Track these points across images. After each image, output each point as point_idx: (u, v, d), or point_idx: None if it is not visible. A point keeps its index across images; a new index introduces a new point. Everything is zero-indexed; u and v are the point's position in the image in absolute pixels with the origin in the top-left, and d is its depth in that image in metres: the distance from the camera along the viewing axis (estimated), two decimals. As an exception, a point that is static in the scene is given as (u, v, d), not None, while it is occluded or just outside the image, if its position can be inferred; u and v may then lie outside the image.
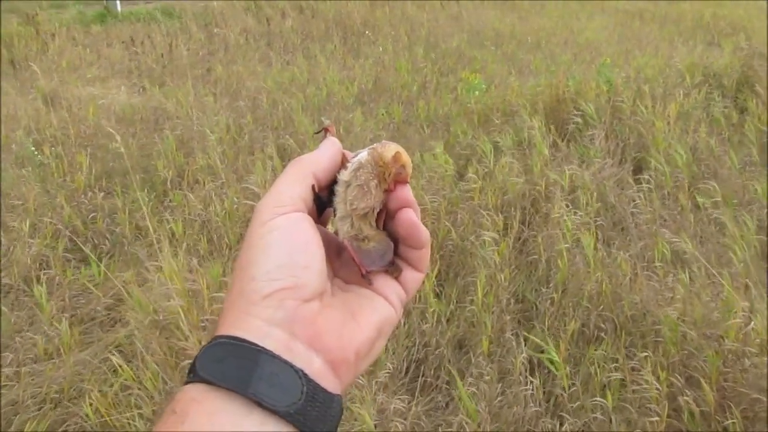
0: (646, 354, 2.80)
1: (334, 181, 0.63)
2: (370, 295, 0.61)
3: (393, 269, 0.63)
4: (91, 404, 2.66)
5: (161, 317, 2.95)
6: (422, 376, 2.96)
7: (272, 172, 4.39)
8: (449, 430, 2.66)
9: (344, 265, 0.65)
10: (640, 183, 4.39)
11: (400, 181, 0.61)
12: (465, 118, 5.63)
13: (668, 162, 4.55)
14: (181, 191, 4.42)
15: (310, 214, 0.61)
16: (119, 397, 2.76)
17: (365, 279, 0.62)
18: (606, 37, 9.42)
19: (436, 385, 2.93)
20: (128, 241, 3.97)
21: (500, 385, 2.79)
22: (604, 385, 2.76)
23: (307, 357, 0.52)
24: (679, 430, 2.58)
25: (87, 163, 4.86)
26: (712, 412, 2.55)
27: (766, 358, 2.62)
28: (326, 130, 0.67)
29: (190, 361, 0.61)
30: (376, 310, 0.60)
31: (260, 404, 0.48)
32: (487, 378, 2.77)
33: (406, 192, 0.62)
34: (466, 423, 2.59)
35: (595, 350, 2.90)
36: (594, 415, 2.63)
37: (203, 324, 2.89)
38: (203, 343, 0.53)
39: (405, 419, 2.66)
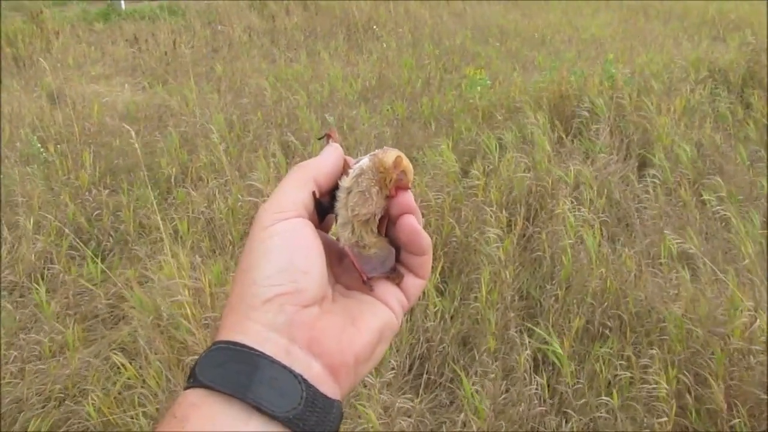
0: (653, 351, 2.79)
1: (335, 187, 0.64)
2: (371, 301, 0.62)
3: (394, 276, 0.63)
4: (93, 403, 2.66)
5: (164, 315, 2.94)
6: (426, 373, 2.95)
7: (275, 170, 4.38)
8: (454, 428, 2.65)
9: (345, 271, 0.65)
10: (645, 179, 4.37)
11: (401, 187, 0.61)
12: (469, 114, 5.61)
13: (673, 158, 4.53)
14: (184, 188, 4.42)
15: (311, 219, 0.61)
16: (122, 395, 2.76)
17: (366, 285, 0.62)
18: (610, 34, 9.38)
19: (440, 383, 2.92)
20: (132, 239, 3.97)
21: (505, 382, 2.78)
22: (609, 383, 2.75)
23: (306, 362, 0.53)
24: (686, 428, 2.57)
25: (91, 161, 4.86)
26: (719, 410, 2.53)
27: (771, 356, 2.60)
28: (328, 135, 0.67)
29: (194, 357, 0.61)
30: (377, 316, 0.60)
31: (259, 409, 0.48)
32: (491, 375, 2.76)
33: (408, 198, 0.62)
34: (471, 420, 2.59)
35: (600, 347, 2.89)
36: (599, 413, 2.61)
37: (206, 322, 2.89)
38: (207, 343, 0.54)
39: (409, 417, 2.65)
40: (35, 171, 4.70)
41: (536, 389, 2.73)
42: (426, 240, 0.62)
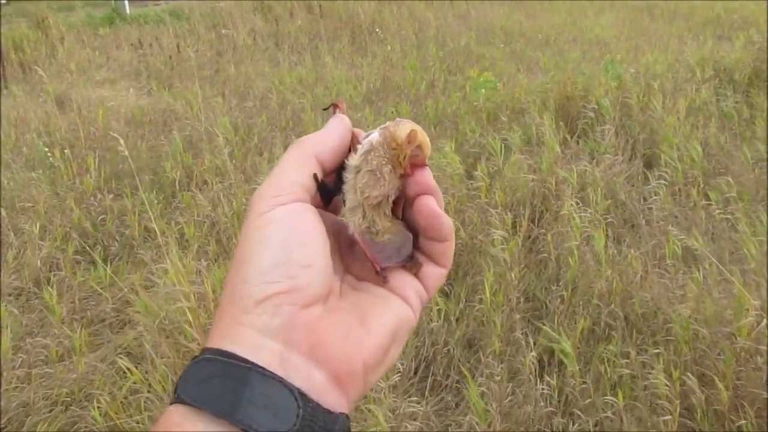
0: (657, 351, 2.78)
1: (342, 166, 0.57)
2: (385, 294, 0.55)
3: (411, 264, 0.56)
4: (99, 408, 2.66)
5: (168, 320, 2.95)
6: (432, 376, 2.95)
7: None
8: (459, 430, 2.65)
9: (357, 259, 0.58)
10: (651, 179, 4.36)
11: (417, 164, 0.54)
12: (473, 116, 5.61)
13: (679, 158, 4.51)
14: (189, 192, 4.42)
15: (314, 203, 0.55)
16: (129, 399, 2.76)
17: (379, 276, 0.56)
18: (615, 34, 9.36)
19: (446, 385, 2.92)
20: (137, 243, 3.98)
21: (510, 384, 2.77)
22: (615, 384, 2.74)
23: (306, 371, 0.47)
24: (692, 429, 2.56)
25: (96, 166, 4.87)
26: (725, 411, 2.52)
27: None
28: (335, 105, 0.60)
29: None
30: (391, 312, 0.54)
31: None
32: (497, 378, 2.75)
33: (426, 176, 0.55)
34: (477, 423, 2.58)
35: (606, 348, 2.88)
36: (605, 414, 2.60)
37: (209, 327, 2.89)
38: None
39: (415, 420, 2.65)
40: (41, 176, 4.72)
41: (543, 389, 2.72)
42: (447, 224, 0.55)
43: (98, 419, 2.63)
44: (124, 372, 2.84)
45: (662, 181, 4.27)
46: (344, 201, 0.56)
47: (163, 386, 2.72)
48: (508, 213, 3.84)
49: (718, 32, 9.42)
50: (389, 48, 8.43)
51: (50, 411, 2.79)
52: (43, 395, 2.85)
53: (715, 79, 6.17)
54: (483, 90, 5.88)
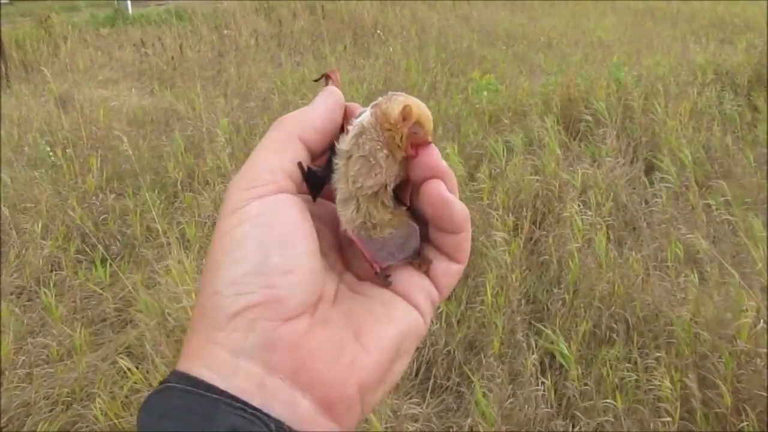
0: (659, 354, 2.78)
1: (332, 148, 0.48)
2: (388, 298, 0.47)
3: (419, 261, 0.48)
4: (100, 407, 2.66)
5: (170, 319, 2.95)
6: (433, 378, 2.94)
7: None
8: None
9: (357, 256, 0.50)
10: (652, 182, 4.36)
11: (418, 144, 0.46)
12: (475, 118, 5.61)
13: (681, 161, 4.51)
14: (191, 193, 4.42)
15: (302, 191, 0.48)
16: (129, 399, 2.76)
17: (380, 278, 0.48)
18: (617, 37, 9.36)
19: (447, 387, 2.91)
20: (139, 243, 3.98)
21: (511, 386, 2.77)
22: (616, 386, 2.74)
23: (288, 397, 0.40)
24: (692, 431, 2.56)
25: (98, 165, 4.88)
26: (726, 413, 2.52)
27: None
28: (327, 76, 0.52)
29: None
30: (394, 321, 0.45)
31: None
32: (498, 380, 2.75)
33: (433, 157, 0.46)
34: (478, 424, 2.58)
35: (607, 351, 2.88)
36: (606, 417, 2.60)
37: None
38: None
39: (416, 422, 2.65)
40: (43, 175, 4.72)
41: (543, 392, 2.72)
42: (460, 212, 0.47)
43: (99, 419, 2.63)
44: (125, 372, 2.84)
45: (664, 184, 4.27)
46: (335, 191, 0.48)
47: (164, 386, 2.72)
48: (510, 215, 3.84)
49: (721, 35, 9.42)
50: (391, 49, 8.43)
51: (51, 410, 2.79)
52: (44, 394, 2.85)
53: (717, 82, 6.17)
54: (485, 92, 5.88)
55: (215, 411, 0.38)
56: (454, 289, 2.83)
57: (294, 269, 0.42)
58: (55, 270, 3.76)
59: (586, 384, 2.75)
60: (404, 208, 0.49)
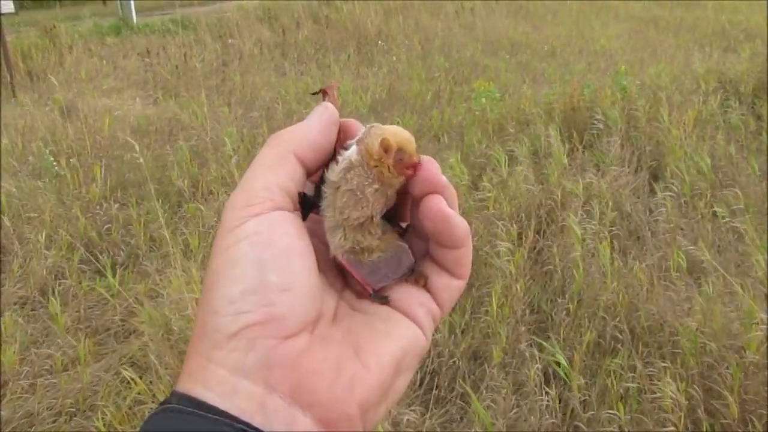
0: (664, 365, 2.76)
1: (327, 165, 0.49)
2: (389, 315, 0.47)
3: (414, 276, 0.49)
4: (103, 418, 2.65)
5: (174, 330, 2.94)
6: (436, 388, 2.93)
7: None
8: (464, 443, 2.63)
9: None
10: (657, 192, 4.35)
11: (406, 167, 0.46)
12: (479, 127, 5.61)
13: (685, 170, 4.50)
14: (195, 203, 4.43)
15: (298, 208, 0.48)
16: (133, 410, 2.75)
17: (376, 299, 0.48)
18: (621, 45, 9.37)
19: (451, 398, 2.90)
20: (143, 253, 3.98)
21: (515, 397, 2.76)
22: (621, 397, 2.72)
23: (288, 416, 0.40)
24: (699, 443, 2.54)
25: (102, 174, 4.89)
26: (733, 424, 2.50)
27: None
28: (324, 92, 0.52)
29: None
30: (394, 338, 0.45)
31: None
32: (502, 391, 2.74)
33: (432, 172, 0.46)
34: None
35: (612, 361, 2.86)
36: (611, 428, 2.59)
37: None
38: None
39: (419, 432, 2.64)
40: (47, 185, 4.73)
41: (547, 403, 2.70)
42: (460, 228, 0.46)
43: (102, 430, 2.63)
44: (129, 382, 2.83)
45: (668, 193, 4.26)
46: (324, 217, 0.49)
47: (167, 397, 2.71)
48: (514, 224, 3.84)
49: (724, 44, 9.41)
50: (395, 58, 8.45)
51: (54, 421, 2.79)
52: (48, 405, 2.85)
53: (721, 90, 6.16)
54: (483, 99, 5.88)
55: (217, 431, 0.38)
56: (457, 301, 2.83)
57: (292, 287, 0.42)
58: (59, 280, 3.76)
59: (590, 395, 2.74)
60: (395, 231, 0.50)
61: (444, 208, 0.46)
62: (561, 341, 3.01)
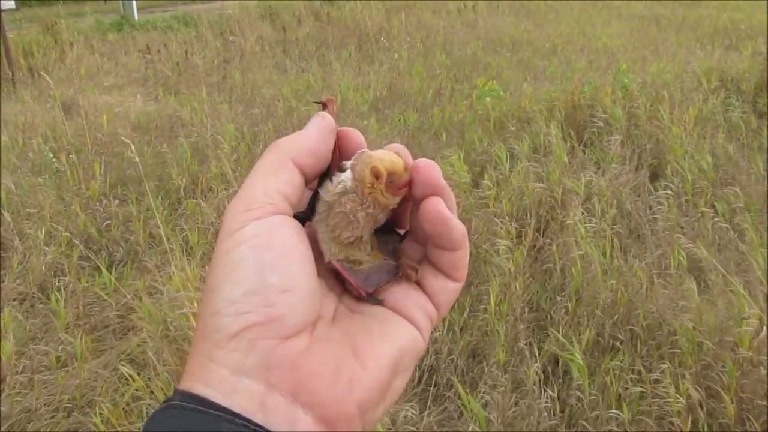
0: (665, 365, 2.75)
1: (326, 174, 0.51)
2: (386, 316, 0.48)
3: (404, 274, 0.50)
4: (101, 414, 2.65)
5: (172, 327, 2.94)
6: (435, 385, 2.93)
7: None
8: (462, 440, 2.63)
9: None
10: (657, 190, 4.34)
11: (399, 188, 0.48)
12: (480, 125, 5.60)
13: (686, 168, 4.49)
14: (194, 200, 4.43)
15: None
16: (130, 407, 2.75)
17: (370, 301, 0.49)
18: (622, 43, 9.36)
19: (449, 395, 2.90)
20: (142, 250, 3.98)
21: (514, 395, 2.75)
22: (620, 396, 2.72)
23: (290, 415, 0.40)
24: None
25: (102, 171, 4.89)
26: (730, 423, 2.50)
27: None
28: (323, 105, 0.54)
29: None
30: (392, 339, 0.46)
31: None
32: (501, 388, 2.73)
33: (433, 175, 0.48)
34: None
35: (611, 360, 2.86)
36: (609, 427, 2.58)
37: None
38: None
39: (417, 429, 2.63)
40: (47, 181, 4.73)
41: (546, 402, 2.70)
42: (457, 230, 0.47)
43: (100, 426, 2.63)
44: (127, 379, 2.83)
45: (668, 192, 4.25)
46: (317, 230, 0.51)
47: (165, 394, 2.71)
48: (514, 222, 3.83)
49: (726, 42, 9.40)
50: (396, 56, 8.44)
51: (52, 417, 2.79)
52: (45, 401, 2.85)
53: (722, 89, 6.15)
54: (487, 98, 5.88)
55: (219, 427, 0.38)
56: (456, 298, 2.82)
57: (292, 288, 0.43)
58: (58, 276, 3.76)
59: (590, 393, 2.74)
60: (391, 240, 0.52)
61: (443, 210, 0.47)
62: (560, 339, 3.01)
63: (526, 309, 3.30)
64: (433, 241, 0.49)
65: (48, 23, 9.98)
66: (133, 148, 3.97)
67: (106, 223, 4.29)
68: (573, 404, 2.72)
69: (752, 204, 4.08)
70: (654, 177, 4.67)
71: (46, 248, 3.92)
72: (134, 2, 12.63)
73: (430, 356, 3.02)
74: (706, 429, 2.51)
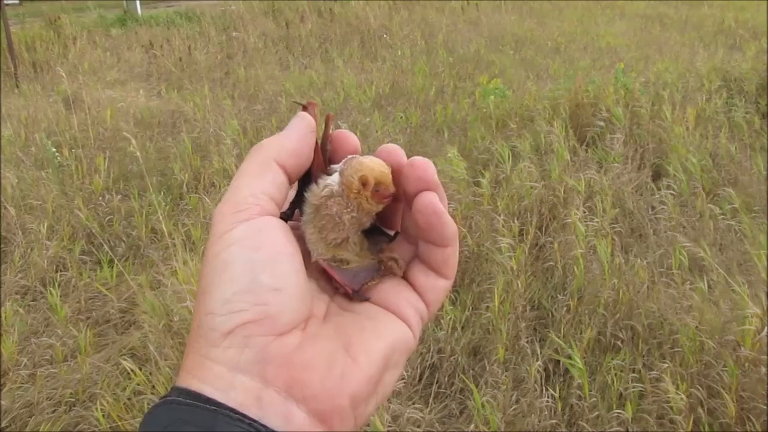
0: (666, 365, 2.75)
1: (307, 173, 0.52)
2: (378, 314, 0.49)
3: (387, 268, 0.52)
4: (102, 409, 2.66)
5: (175, 320, 2.95)
6: (436, 383, 2.93)
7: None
8: (463, 438, 2.63)
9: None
10: (659, 189, 4.34)
11: (384, 197, 0.50)
12: (482, 123, 5.60)
13: (688, 168, 4.49)
14: (196, 195, 4.43)
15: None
16: (132, 401, 2.76)
17: (356, 297, 0.51)
18: (626, 42, 9.35)
19: (450, 393, 2.90)
20: (144, 244, 3.98)
21: (515, 393, 2.75)
22: (621, 395, 2.72)
23: (284, 409, 0.41)
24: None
25: (105, 166, 4.89)
26: (731, 423, 2.50)
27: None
28: (304, 108, 0.54)
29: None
30: (382, 335, 0.47)
31: None
32: (502, 387, 2.74)
33: (427, 172, 0.49)
34: (481, 430, 2.56)
35: (612, 359, 2.86)
36: (610, 426, 2.58)
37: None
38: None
39: (418, 427, 2.64)
40: (49, 175, 4.73)
41: (547, 400, 2.70)
42: (450, 226, 0.48)
43: (101, 420, 2.63)
44: (128, 373, 2.84)
45: (670, 191, 4.25)
46: (303, 232, 0.52)
47: (166, 388, 2.72)
48: (516, 220, 3.83)
49: (729, 42, 9.39)
50: (399, 53, 8.43)
51: (54, 411, 2.79)
52: (47, 395, 2.85)
53: (725, 88, 6.14)
54: (492, 97, 5.87)
55: (215, 422, 0.39)
56: (458, 296, 2.82)
57: (282, 287, 0.44)
58: (60, 270, 3.77)
59: (590, 393, 2.74)
60: (379, 243, 0.54)
61: (437, 204, 0.48)
62: (561, 338, 3.01)
63: (528, 307, 3.30)
64: (425, 236, 0.49)
65: (51, 18, 9.98)
66: (134, 143, 3.97)
67: (109, 217, 4.29)
68: (574, 403, 2.72)
69: (754, 204, 4.07)
70: (656, 176, 4.66)
71: (48, 242, 3.93)
72: (137, -3, 12.64)
73: (432, 354, 3.02)
74: (707, 428, 2.51)
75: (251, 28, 9.97)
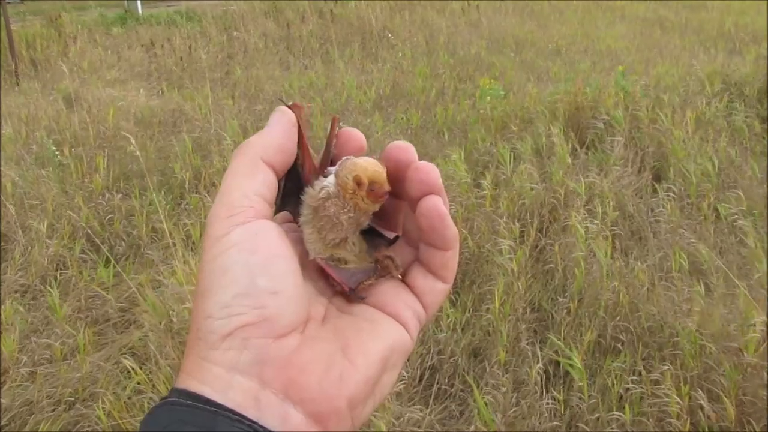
0: (666, 367, 2.75)
1: (292, 169, 0.53)
2: (375, 316, 0.49)
3: (383, 267, 0.52)
4: (103, 407, 2.66)
5: (175, 320, 2.94)
6: (437, 384, 2.93)
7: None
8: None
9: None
10: (659, 192, 4.34)
11: (379, 196, 0.51)
12: (483, 124, 5.60)
13: (688, 171, 4.50)
14: (197, 194, 4.43)
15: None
16: (132, 400, 2.76)
17: (352, 296, 0.51)
18: (626, 45, 9.35)
19: (451, 394, 2.90)
20: (144, 244, 3.98)
21: (515, 395, 2.75)
22: (621, 397, 2.72)
23: (282, 410, 0.42)
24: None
25: (105, 165, 4.89)
26: (731, 427, 2.50)
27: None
28: (289, 107, 0.54)
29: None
30: (380, 338, 0.47)
31: None
32: (502, 388, 2.74)
33: (432, 176, 0.49)
34: (480, 432, 2.57)
35: (612, 361, 2.86)
36: (610, 428, 2.59)
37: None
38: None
39: (419, 428, 2.64)
40: (50, 174, 4.73)
41: (548, 402, 2.70)
42: (451, 229, 0.49)
43: (102, 419, 2.63)
44: (129, 372, 2.84)
45: (671, 194, 4.25)
46: (303, 232, 0.53)
47: (166, 387, 2.72)
48: (516, 222, 3.83)
49: (729, 46, 9.40)
50: (400, 54, 8.44)
51: (53, 410, 2.79)
52: (47, 394, 2.85)
53: (726, 92, 6.14)
54: (488, 97, 5.87)
55: (215, 423, 0.40)
56: (458, 298, 2.82)
57: (280, 290, 0.45)
58: (60, 269, 3.77)
59: (590, 395, 2.74)
60: (378, 245, 0.54)
61: (441, 207, 0.48)
62: (561, 340, 3.01)
63: (528, 309, 3.30)
64: (427, 238, 0.50)
65: (52, 16, 9.97)
66: (133, 142, 3.97)
67: (109, 216, 4.29)
68: (574, 405, 2.72)
69: (754, 207, 4.08)
70: (656, 179, 4.67)
71: (49, 241, 3.93)
72: (138, -4, 12.63)
73: (432, 355, 3.03)
74: (706, 431, 2.52)
75: (252, 29, 9.97)
